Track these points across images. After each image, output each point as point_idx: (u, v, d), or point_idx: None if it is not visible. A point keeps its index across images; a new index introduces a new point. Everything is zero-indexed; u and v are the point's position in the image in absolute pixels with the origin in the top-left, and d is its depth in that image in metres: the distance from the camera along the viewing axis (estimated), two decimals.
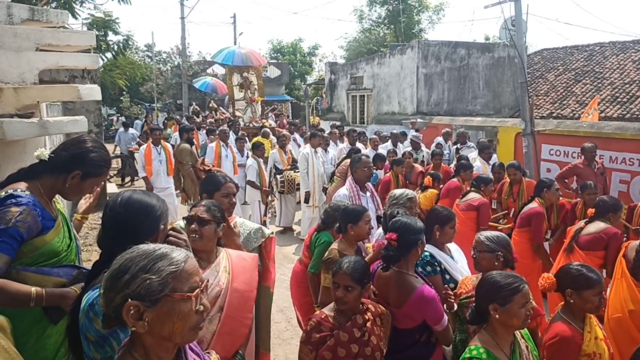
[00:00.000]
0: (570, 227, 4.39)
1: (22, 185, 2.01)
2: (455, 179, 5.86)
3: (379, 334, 2.36)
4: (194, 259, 1.33)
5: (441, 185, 5.96)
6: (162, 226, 1.77)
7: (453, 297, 2.67)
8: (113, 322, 1.26)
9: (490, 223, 5.65)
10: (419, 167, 7.46)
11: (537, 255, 4.49)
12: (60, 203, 2.27)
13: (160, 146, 7.50)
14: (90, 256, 5.69)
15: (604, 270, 3.78)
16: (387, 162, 7.54)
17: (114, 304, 1.21)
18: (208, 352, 1.54)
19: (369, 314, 2.38)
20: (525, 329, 2.28)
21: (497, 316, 2.06)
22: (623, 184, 7.44)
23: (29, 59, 3.45)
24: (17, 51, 3.41)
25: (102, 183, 2.24)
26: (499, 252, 2.64)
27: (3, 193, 1.95)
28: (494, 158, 7.61)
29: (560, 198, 5.48)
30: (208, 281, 1.40)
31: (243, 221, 3.06)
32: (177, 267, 1.24)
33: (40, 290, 1.93)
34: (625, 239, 4.20)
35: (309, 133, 9.02)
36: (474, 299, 2.30)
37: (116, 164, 13.42)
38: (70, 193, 2.14)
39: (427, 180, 5.72)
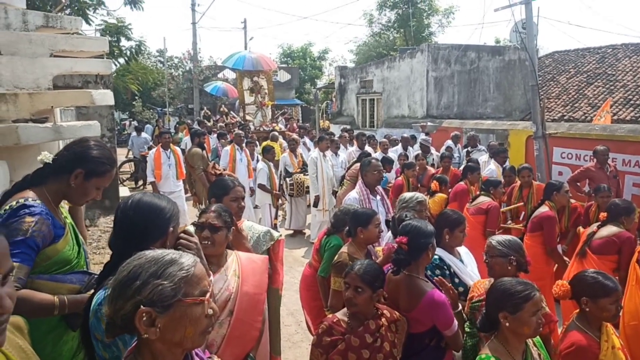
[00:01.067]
0: (583, 231, 4.34)
1: (31, 193, 1.99)
2: (462, 182, 5.82)
3: (393, 341, 2.34)
4: (202, 263, 1.34)
5: (450, 189, 5.93)
6: (171, 228, 1.77)
7: (452, 290, 2.64)
8: (119, 330, 1.24)
9: (504, 226, 5.62)
10: (431, 170, 7.44)
11: (552, 258, 4.44)
12: (66, 208, 2.27)
13: (169, 150, 7.54)
14: (103, 259, 5.74)
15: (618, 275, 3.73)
16: (398, 166, 7.51)
17: (123, 311, 1.20)
18: (210, 358, 1.54)
19: (383, 319, 2.35)
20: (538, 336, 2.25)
21: (507, 324, 2.01)
22: (636, 187, 7.34)
23: (43, 64, 3.51)
24: (31, 57, 3.47)
25: (108, 184, 2.18)
26: (512, 257, 2.61)
27: (14, 203, 1.93)
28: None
29: (573, 201, 5.43)
30: (213, 284, 1.40)
31: (251, 225, 3.06)
32: (188, 272, 1.24)
33: (62, 297, 1.93)
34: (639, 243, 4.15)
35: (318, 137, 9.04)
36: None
37: (129, 167, 13.55)
38: (75, 195, 2.10)
39: (434, 185, 5.67)
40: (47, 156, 2.08)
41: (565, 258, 4.45)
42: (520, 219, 5.85)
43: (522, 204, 5.73)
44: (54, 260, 2.00)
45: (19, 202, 1.93)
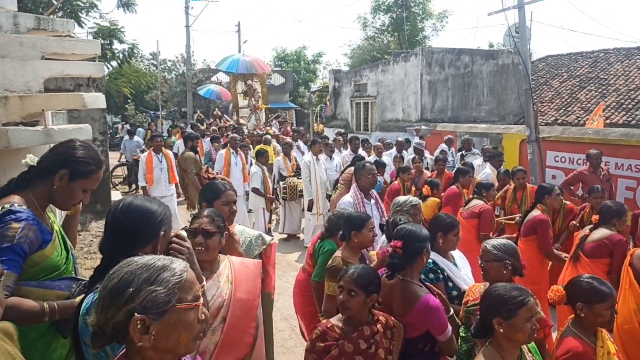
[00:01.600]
0: (576, 234, 4.35)
1: (17, 198, 1.93)
2: (454, 186, 5.81)
3: (388, 348, 2.31)
4: (194, 268, 1.32)
5: (442, 193, 5.92)
6: (162, 232, 1.74)
7: (441, 295, 2.63)
8: (107, 339, 1.21)
9: (498, 219, 5.62)
10: (427, 173, 7.45)
11: (549, 259, 4.44)
12: (53, 213, 2.22)
13: (161, 154, 7.49)
14: (94, 264, 5.68)
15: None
16: (392, 169, 7.50)
17: (114, 320, 1.17)
18: None
19: (378, 325, 2.33)
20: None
21: (501, 330, 2.00)
22: (629, 191, 7.39)
23: (34, 67, 3.48)
24: (22, 60, 3.44)
25: (95, 186, 2.11)
26: (507, 261, 2.60)
27: (0, 208, 1.87)
28: None
29: (568, 203, 5.45)
30: (206, 291, 1.38)
31: (243, 229, 3.04)
32: (181, 278, 1.23)
33: (52, 304, 1.89)
34: (631, 245, 4.16)
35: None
36: None
37: (122, 171, 13.48)
38: (60, 197, 2.03)
39: (426, 189, 5.63)
40: (31, 158, 2.03)
41: (564, 254, 4.38)
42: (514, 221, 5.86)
43: (516, 220, 5.62)
44: (42, 267, 1.95)
45: (4, 207, 1.88)
